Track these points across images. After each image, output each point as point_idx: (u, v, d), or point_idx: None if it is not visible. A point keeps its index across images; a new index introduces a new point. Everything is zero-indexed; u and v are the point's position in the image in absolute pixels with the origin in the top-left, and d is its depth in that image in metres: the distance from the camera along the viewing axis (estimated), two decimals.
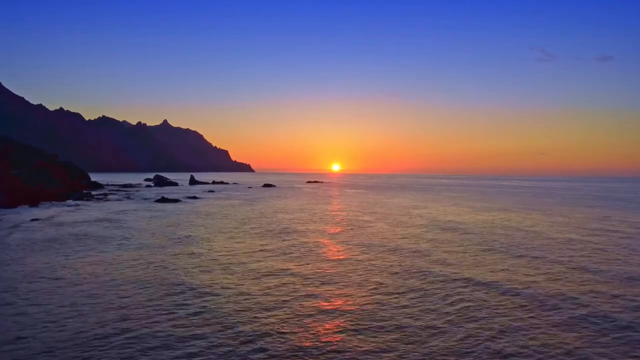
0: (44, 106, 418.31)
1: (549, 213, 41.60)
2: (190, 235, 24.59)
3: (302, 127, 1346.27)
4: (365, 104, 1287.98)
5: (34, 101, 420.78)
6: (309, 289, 14.09)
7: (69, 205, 42.57)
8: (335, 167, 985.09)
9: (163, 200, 50.71)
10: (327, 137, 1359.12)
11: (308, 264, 17.75)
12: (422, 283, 14.82)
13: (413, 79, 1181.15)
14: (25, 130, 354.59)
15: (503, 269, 17.07)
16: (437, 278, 15.45)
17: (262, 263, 17.75)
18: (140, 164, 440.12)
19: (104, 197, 55.49)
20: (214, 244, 22.07)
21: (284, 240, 23.66)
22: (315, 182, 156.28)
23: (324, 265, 17.57)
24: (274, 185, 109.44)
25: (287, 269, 16.68)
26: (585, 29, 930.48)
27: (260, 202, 53.40)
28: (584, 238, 25.53)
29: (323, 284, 14.75)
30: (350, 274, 16.15)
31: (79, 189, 66.27)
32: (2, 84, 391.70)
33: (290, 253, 20.01)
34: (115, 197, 58.66)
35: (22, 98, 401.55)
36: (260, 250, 20.54)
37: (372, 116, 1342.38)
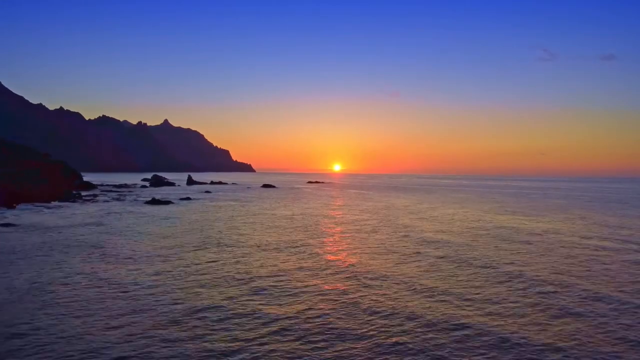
0: (44, 105, 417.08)
1: (579, 220, 39.05)
2: (120, 250, 20.07)
3: (302, 127, 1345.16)
4: (366, 104, 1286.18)
5: (33, 100, 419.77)
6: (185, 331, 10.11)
7: (49, 208, 40.16)
8: (337, 167, 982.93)
9: (153, 202, 48.29)
10: (328, 137, 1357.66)
11: (217, 298, 12.85)
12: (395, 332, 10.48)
13: (413, 78, 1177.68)
14: (25, 130, 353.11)
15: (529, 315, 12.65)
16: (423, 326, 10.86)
17: (156, 290, 13.60)
18: (141, 164, 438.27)
19: (92, 199, 53.12)
20: (121, 268, 16.75)
21: (233, 258, 18.93)
22: (316, 182, 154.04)
23: (244, 300, 12.63)
24: (274, 186, 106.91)
25: (180, 303, 12.33)
26: (587, 28, 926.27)
27: (254, 205, 50.93)
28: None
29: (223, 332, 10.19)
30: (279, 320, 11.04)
31: (69, 189, 63.88)
32: (2, 83, 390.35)
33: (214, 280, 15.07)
34: (104, 198, 56.28)
35: (22, 97, 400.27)
36: (172, 272, 16.08)
37: (373, 116, 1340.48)
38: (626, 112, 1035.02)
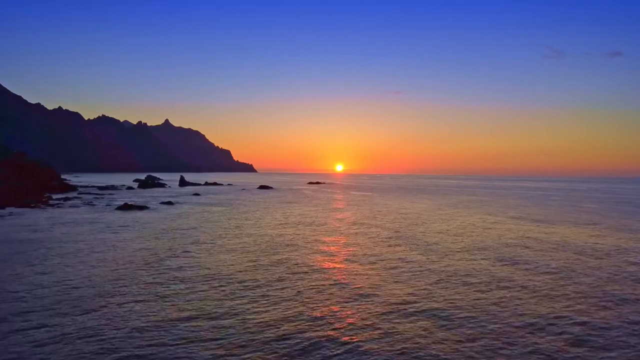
0: (42, 105, 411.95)
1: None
2: None
3: (304, 127, 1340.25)
4: (368, 103, 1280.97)
5: (32, 100, 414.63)
6: None
7: None
8: (339, 168, 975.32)
9: (125, 207, 41.81)
10: (330, 137, 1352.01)
11: None
12: None
13: (416, 77, 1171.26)
14: (24, 130, 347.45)
15: None
16: None
17: None
18: (141, 164, 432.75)
19: (57, 204, 46.53)
20: None
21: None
22: (317, 183, 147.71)
23: None
24: (272, 187, 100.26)
25: None
26: (593, 24, 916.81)
27: (240, 211, 44.36)
28: None
29: None
30: None
31: (41, 191, 57.54)
32: (0, 83, 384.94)
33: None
34: (75, 202, 49.85)
35: (20, 97, 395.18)
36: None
37: (375, 115, 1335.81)
38: (633, 111, 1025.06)
